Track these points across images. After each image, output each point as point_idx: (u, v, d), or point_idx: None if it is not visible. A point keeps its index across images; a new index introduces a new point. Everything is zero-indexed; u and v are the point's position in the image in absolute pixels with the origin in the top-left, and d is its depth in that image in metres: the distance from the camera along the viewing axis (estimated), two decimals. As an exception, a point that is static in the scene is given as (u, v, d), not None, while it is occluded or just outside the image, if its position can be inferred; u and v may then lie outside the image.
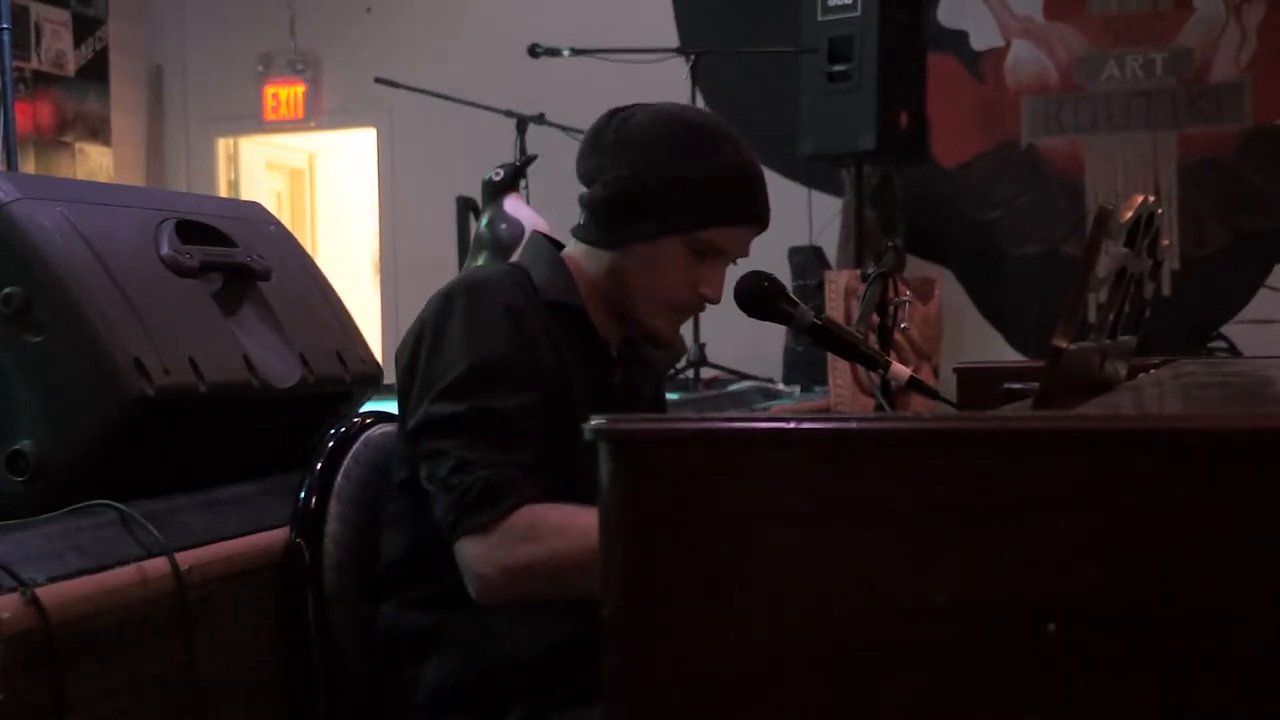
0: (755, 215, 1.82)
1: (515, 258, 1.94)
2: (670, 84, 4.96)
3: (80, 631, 1.50)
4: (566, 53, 5.01)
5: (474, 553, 1.61)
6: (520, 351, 1.70)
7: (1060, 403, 1.24)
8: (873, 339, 3.05)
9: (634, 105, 1.86)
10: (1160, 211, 1.50)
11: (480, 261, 3.35)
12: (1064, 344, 1.20)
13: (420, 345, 1.73)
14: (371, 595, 1.82)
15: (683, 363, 4.73)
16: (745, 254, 1.85)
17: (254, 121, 7.50)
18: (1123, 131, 6.24)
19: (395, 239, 7.22)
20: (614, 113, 1.86)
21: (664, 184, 1.77)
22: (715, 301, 1.82)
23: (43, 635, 1.44)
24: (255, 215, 2.25)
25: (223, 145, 7.65)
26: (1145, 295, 1.58)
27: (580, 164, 1.85)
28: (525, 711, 1.70)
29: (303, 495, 1.85)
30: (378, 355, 2.31)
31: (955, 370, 3.21)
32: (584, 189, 1.85)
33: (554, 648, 1.70)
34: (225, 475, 1.91)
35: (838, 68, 5.35)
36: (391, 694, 1.79)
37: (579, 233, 1.86)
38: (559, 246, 1.90)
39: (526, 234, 3.30)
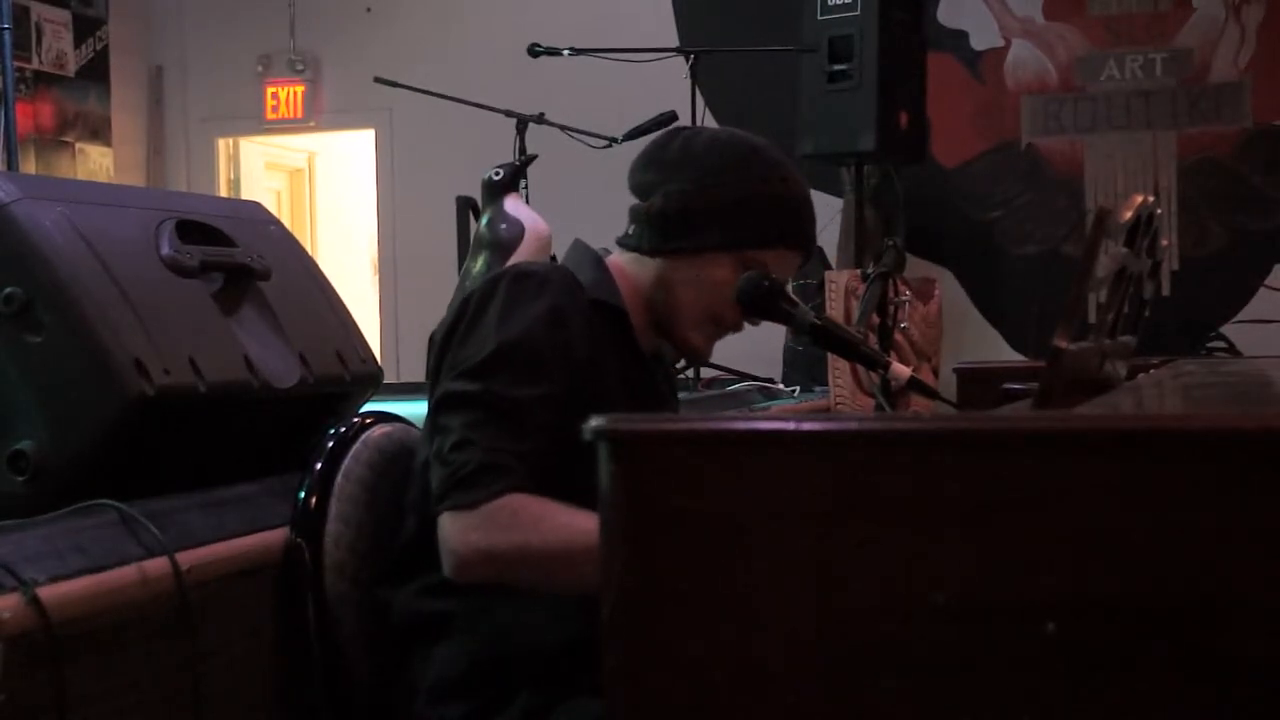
0: (807, 241, 1.92)
1: (516, 257, 1.96)
2: (670, 84, 4.95)
3: (80, 631, 1.50)
4: (566, 53, 5.01)
5: (452, 529, 1.64)
6: (549, 346, 1.73)
7: (1060, 403, 1.24)
8: (873, 339, 3.05)
9: (696, 126, 1.93)
10: (1160, 211, 1.50)
11: (480, 261, 3.34)
12: (1064, 344, 1.19)
13: (458, 324, 1.77)
14: (387, 579, 1.83)
15: (683, 362, 4.73)
16: (788, 280, 1.91)
17: (254, 121, 7.49)
18: (1122, 131, 6.24)
19: (395, 239, 7.21)
20: (677, 131, 1.94)
21: (726, 200, 1.84)
22: (755, 323, 1.90)
23: (43, 635, 1.44)
24: (255, 215, 2.25)
25: (223, 145, 7.64)
26: (1145, 295, 1.58)
27: (636, 176, 1.91)
28: (530, 700, 1.71)
29: (303, 495, 1.85)
30: (377, 355, 2.32)
31: (955, 370, 3.21)
32: (636, 201, 1.91)
33: (564, 639, 1.71)
34: (225, 475, 1.91)
35: (838, 68, 5.35)
36: (397, 683, 1.80)
37: (628, 242, 1.91)
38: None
39: (527, 234, 3.30)
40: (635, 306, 1.88)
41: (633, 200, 1.92)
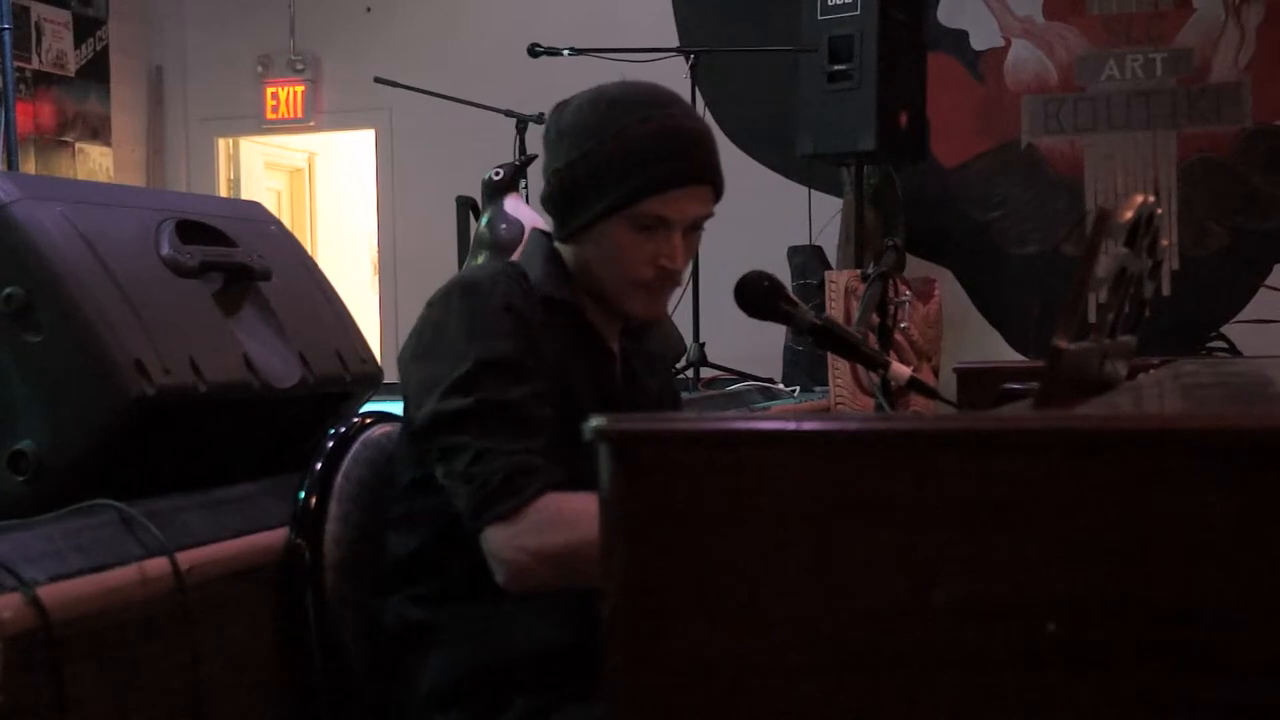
0: (688, 177, 1.77)
1: (515, 256, 1.95)
2: (670, 84, 4.90)
3: (80, 631, 1.50)
4: (566, 53, 5.01)
5: (500, 540, 1.62)
6: (522, 345, 1.71)
7: (1060, 403, 1.24)
8: (873, 339, 3.05)
9: (575, 94, 1.83)
10: (1160, 211, 1.50)
11: (480, 261, 3.35)
12: (1064, 344, 1.19)
13: (421, 346, 1.75)
14: (377, 591, 1.82)
15: (683, 362, 4.74)
16: (704, 215, 1.79)
17: (254, 121, 7.49)
18: (1122, 131, 6.24)
19: (395, 239, 7.22)
20: (557, 106, 1.85)
21: (590, 166, 1.75)
22: (678, 269, 1.78)
23: (43, 635, 1.44)
24: (255, 215, 2.25)
25: (223, 145, 7.65)
26: (1145, 295, 1.58)
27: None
28: (527, 706, 1.71)
29: (303, 495, 1.85)
30: (377, 355, 2.32)
31: (955, 370, 3.20)
32: None
33: (558, 644, 1.71)
34: (225, 475, 1.91)
35: (838, 68, 5.35)
36: (394, 689, 1.79)
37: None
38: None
39: (526, 233, 3.30)
40: (588, 294, 1.84)
41: None
